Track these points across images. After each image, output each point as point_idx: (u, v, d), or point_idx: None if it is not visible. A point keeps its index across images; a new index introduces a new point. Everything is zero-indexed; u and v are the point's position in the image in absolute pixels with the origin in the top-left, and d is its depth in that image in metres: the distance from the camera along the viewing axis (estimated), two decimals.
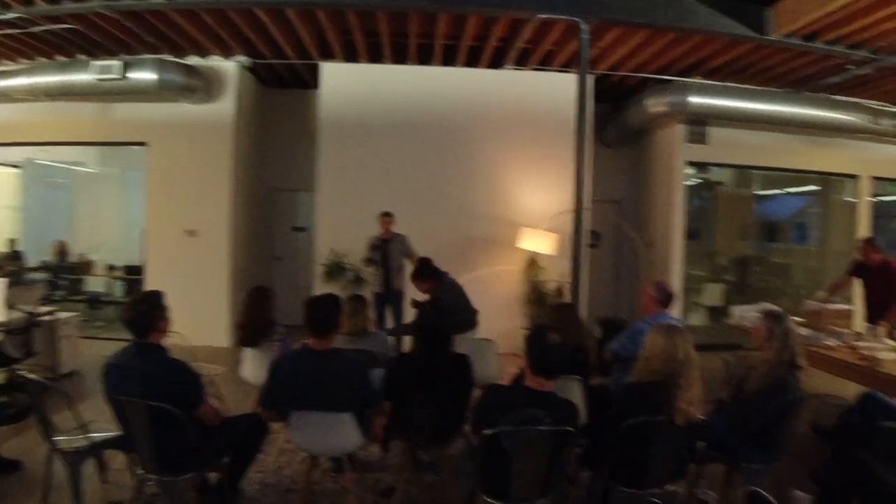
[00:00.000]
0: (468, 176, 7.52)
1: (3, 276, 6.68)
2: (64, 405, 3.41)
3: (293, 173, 8.78)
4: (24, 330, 5.39)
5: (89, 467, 3.42)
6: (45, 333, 5.79)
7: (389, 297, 6.48)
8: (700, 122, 7.88)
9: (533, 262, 7.35)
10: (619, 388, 3.40)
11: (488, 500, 2.79)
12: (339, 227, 7.34)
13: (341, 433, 3.01)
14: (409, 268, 6.36)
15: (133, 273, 9.25)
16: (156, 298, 2.91)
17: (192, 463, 2.91)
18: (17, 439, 4.35)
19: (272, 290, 4.28)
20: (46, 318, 5.79)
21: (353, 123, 7.47)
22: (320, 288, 7.45)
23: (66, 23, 6.28)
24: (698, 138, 7.98)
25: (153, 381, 2.73)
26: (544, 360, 2.61)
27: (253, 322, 4.11)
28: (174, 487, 2.96)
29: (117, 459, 3.75)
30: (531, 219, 7.31)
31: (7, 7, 5.86)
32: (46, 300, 6.57)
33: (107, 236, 11.64)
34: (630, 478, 2.81)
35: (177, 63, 7.20)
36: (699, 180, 9.48)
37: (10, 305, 5.50)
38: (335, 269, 7.20)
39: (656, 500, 2.93)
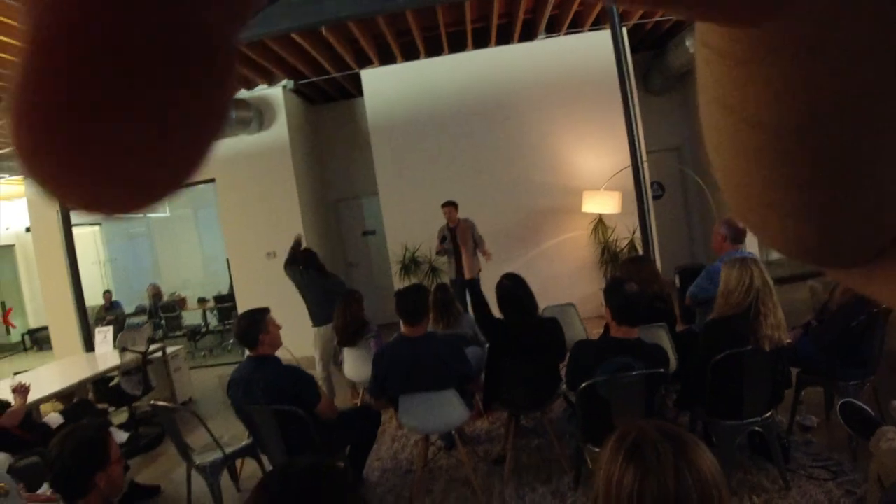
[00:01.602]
0: (522, 151, 7.61)
1: (106, 325, 7.27)
2: (190, 428, 3.77)
3: (353, 181, 9.09)
4: (140, 369, 5.87)
5: (224, 479, 3.78)
6: (158, 369, 6.28)
7: (466, 284, 6.65)
8: None
9: (600, 223, 7.39)
10: (702, 332, 3.48)
11: (594, 449, 2.94)
12: (406, 225, 7.59)
13: (447, 409, 3.23)
14: (482, 250, 6.59)
15: (223, 301, 9.82)
16: (258, 314, 3.19)
17: (320, 455, 3.18)
18: (153, 466, 4.77)
19: (360, 294, 4.55)
20: (157, 354, 6.27)
21: (402, 122, 7.68)
22: (399, 285, 7.74)
23: None
24: None
25: (272, 387, 3.01)
26: (625, 308, 2.73)
27: (348, 324, 4.38)
28: None
29: (247, 469, 4.11)
30: (591, 181, 7.34)
31: None
32: (153, 340, 7.08)
33: (190, 273, 12.37)
34: (728, 411, 2.90)
35: None
36: None
37: (123, 349, 6.00)
38: (410, 265, 7.45)
39: (757, 429, 3.00)
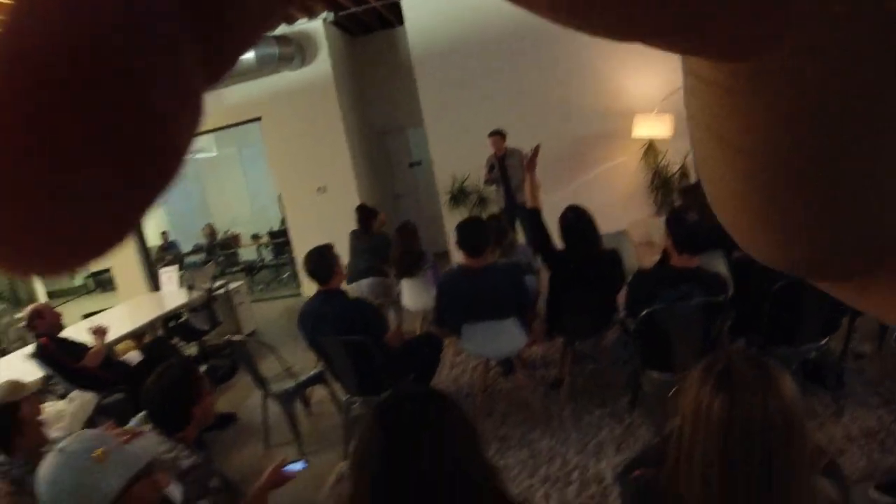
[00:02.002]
0: (571, 74, 7.42)
1: (166, 265, 7.59)
2: (257, 359, 4.00)
3: (398, 112, 9.05)
4: (207, 305, 6.17)
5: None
6: (223, 304, 6.58)
7: (515, 211, 6.68)
8: None
9: (651, 148, 7.26)
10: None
11: (653, 374, 3.03)
12: (454, 154, 7.58)
13: (508, 336, 3.35)
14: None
15: (277, 237, 10.09)
16: (328, 250, 3.33)
17: (386, 382, 3.36)
18: (227, 396, 5.08)
19: (415, 225, 4.64)
20: (220, 291, 6.56)
21: (445, 50, 7.54)
22: (448, 216, 7.82)
23: None
24: None
25: (343, 319, 3.17)
26: (687, 238, 2.75)
27: (405, 255, 4.50)
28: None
29: (317, 395, 4.36)
30: (642, 104, 7.16)
31: None
32: (217, 276, 7.39)
33: (239, 211, 12.69)
34: (784, 337, 2.94)
35: (268, 36, 7.56)
36: None
37: (190, 287, 6.29)
38: (458, 195, 7.50)
39: (812, 356, 3.04)
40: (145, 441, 1.50)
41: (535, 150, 3.47)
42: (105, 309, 7.35)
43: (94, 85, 0.10)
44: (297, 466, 2.48)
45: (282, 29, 7.79)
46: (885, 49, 0.14)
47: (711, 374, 1.10)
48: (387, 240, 5.14)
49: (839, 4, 0.13)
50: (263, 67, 7.50)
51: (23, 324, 6.75)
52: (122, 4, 0.10)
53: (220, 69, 0.13)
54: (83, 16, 0.10)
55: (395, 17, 8.07)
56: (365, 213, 5.41)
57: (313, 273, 3.26)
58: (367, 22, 8.56)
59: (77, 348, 4.17)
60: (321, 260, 3.27)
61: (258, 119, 8.27)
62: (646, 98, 7.17)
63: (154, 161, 0.11)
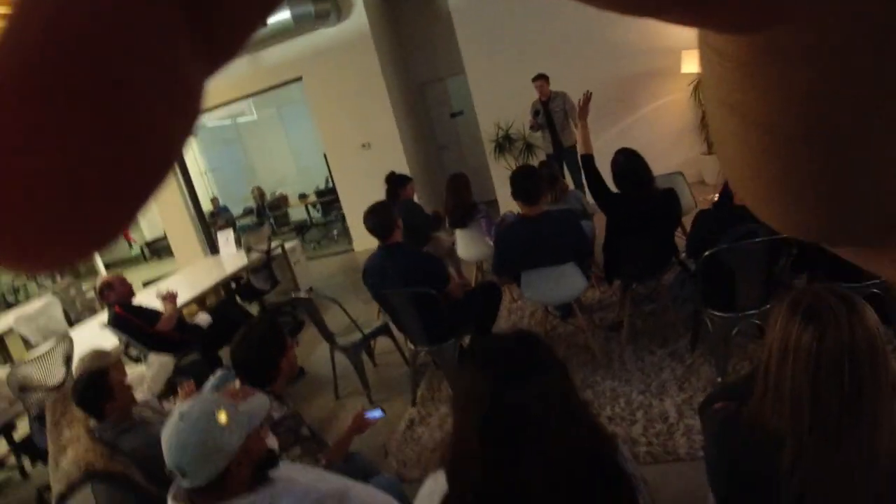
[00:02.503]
0: (612, 13, 7.19)
1: (220, 230, 7.81)
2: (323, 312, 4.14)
3: (436, 62, 8.96)
4: (266, 265, 6.36)
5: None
6: (280, 264, 6.78)
7: (562, 155, 6.63)
8: None
9: (700, 84, 7.04)
10: None
11: (715, 313, 3.05)
12: (497, 102, 7.52)
13: (567, 282, 3.40)
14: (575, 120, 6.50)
15: (324, 195, 10.23)
16: (385, 206, 3.40)
17: (451, 331, 3.47)
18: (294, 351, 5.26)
19: (467, 177, 4.68)
20: (277, 251, 6.75)
21: None
22: (493, 165, 7.81)
23: None
24: None
25: (406, 272, 3.26)
26: None
27: (458, 206, 4.55)
28: (441, 353, 3.57)
29: (380, 346, 4.51)
30: (689, 40, 6.92)
31: None
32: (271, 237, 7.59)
33: (284, 171, 12.86)
34: (846, 274, 2.91)
35: None
36: None
37: (248, 249, 6.48)
38: (504, 143, 7.47)
39: (876, 291, 3.00)
40: (256, 400, 1.62)
41: (587, 98, 3.44)
42: (164, 276, 7.65)
43: (85, 86, 0.10)
44: (377, 414, 2.62)
45: None
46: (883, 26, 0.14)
47: (798, 308, 1.13)
48: (413, 205, 5.11)
49: None
50: (300, 26, 7.51)
51: (91, 295, 7.12)
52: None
53: (220, 58, 0.13)
54: (73, 14, 0.10)
55: None
56: (392, 183, 5.41)
57: (373, 229, 3.34)
58: None
59: (150, 314, 4.38)
60: (380, 216, 3.35)
61: (299, 79, 8.31)
62: (693, 32, 6.88)
63: (151, 157, 0.12)
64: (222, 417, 1.44)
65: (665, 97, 7.24)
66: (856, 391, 1.06)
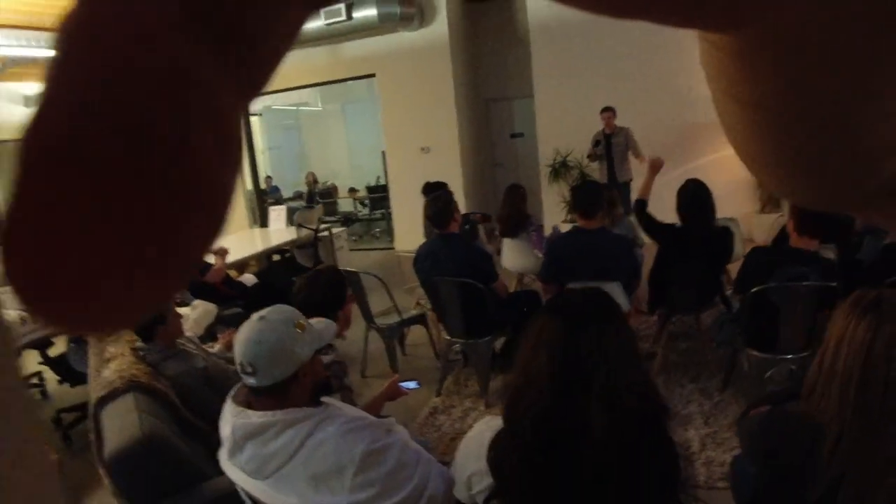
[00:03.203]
0: (688, 60, 7.25)
1: (272, 206, 8.04)
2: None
3: (506, 82, 9.13)
4: (313, 244, 6.54)
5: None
6: (326, 246, 6.95)
7: (617, 189, 6.68)
8: None
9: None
10: (872, 255, 3.42)
11: (753, 352, 3.08)
12: (559, 128, 7.64)
13: None
14: (633, 160, 6.58)
15: (374, 192, 10.43)
16: (448, 196, 3.52)
17: (489, 328, 3.55)
18: None
19: (524, 188, 4.79)
20: (325, 234, 6.93)
21: (564, 23, 7.52)
22: (546, 189, 7.91)
23: None
24: None
25: (458, 262, 3.37)
26: (812, 219, 2.77)
27: (511, 216, 4.66)
28: (477, 348, 3.65)
29: (412, 336, 4.60)
30: None
31: None
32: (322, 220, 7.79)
33: (338, 164, 13.15)
34: None
35: None
36: None
37: (299, 225, 6.67)
38: (560, 169, 7.57)
39: None
40: (325, 323, 1.73)
41: (660, 163, 3.60)
42: None
43: (131, 147, 0.10)
44: (412, 385, 2.70)
45: None
46: (875, 10, 0.15)
47: (860, 304, 1.20)
48: None
49: None
50: (383, 26, 7.75)
51: None
52: (142, 54, 0.10)
53: (251, 93, 0.13)
54: (104, 74, 0.10)
55: None
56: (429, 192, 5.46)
57: (434, 217, 3.46)
58: None
59: (201, 264, 4.55)
60: (443, 206, 3.47)
61: (372, 75, 8.55)
62: None
63: (205, 201, 0.11)
64: (299, 328, 1.55)
65: (724, 151, 7.25)
66: None
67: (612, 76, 7.39)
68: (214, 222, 0.12)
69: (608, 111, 6.55)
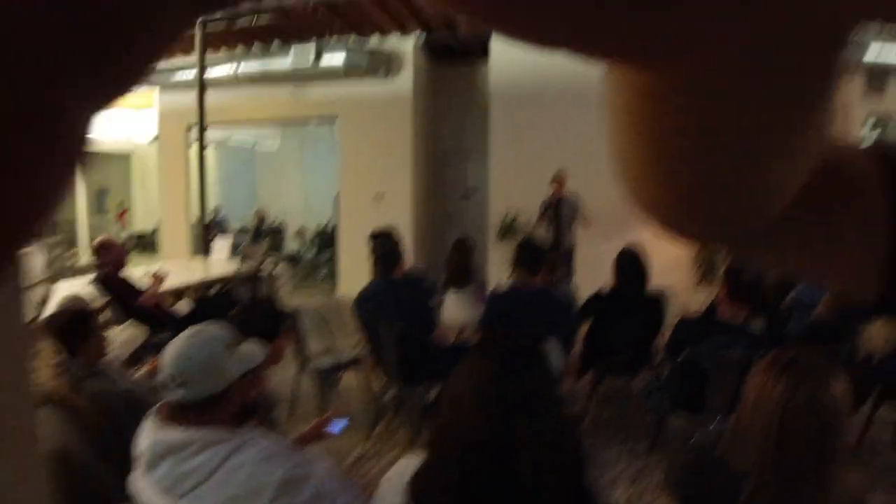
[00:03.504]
0: None
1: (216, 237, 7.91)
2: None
3: (464, 139, 9.36)
4: (253, 279, 6.44)
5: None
6: (268, 283, 6.84)
7: (560, 254, 6.84)
8: (880, 72, 7.38)
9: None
10: (799, 328, 3.60)
11: (681, 417, 3.16)
12: (511, 189, 7.82)
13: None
14: (578, 228, 6.78)
15: (325, 234, 10.39)
16: (397, 240, 3.55)
17: (427, 376, 3.54)
18: None
19: (472, 242, 4.84)
20: (268, 269, 6.84)
21: (523, 89, 7.82)
22: (494, 246, 8.03)
23: (266, 14, 7.22)
24: (877, 87, 7.48)
25: (401, 307, 3.37)
26: (742, 289, 2.91)
27: (457, 268, 4.69)
28: (411, 395, 3.63)
29: (345, 382, 4.53)
30: None
31: None
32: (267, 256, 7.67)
33: (289, 203, 13.09)
34: None
35: (361, 46, 7.98)
36: (880, 136, 8.87)
37: (244, 257, 6.58)
38: (509, 228, 7.72)
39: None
40: (255, 348, 1.70)
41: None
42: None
43: None
44: (341, 424, 2.65)
45: (374, 42, 8.21)
46: (767, 66, 0.17)
47: (777, 364, 1.27)
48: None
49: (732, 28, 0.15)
50: (350, 72, 7.91)
51: (71, 262, 7.10)
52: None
53: (116, 91, 0.12)
54: None
55: (480, 49, 8.43)
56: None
57: (383, 258, 3.48)
58: (454, 49, 8.93)
59: (135, 287, 4.45)
60: (391, 249, 3.50)
61: (334, 119, 8.65)
62: None
63: (27, 205, 0.11)
64: (231, 344, 1.53)
65: None
66: (818, 446, 1.18)
67: (566, 142, 7.64)
68: (29, 224, 0.11)
69: (559, 178, 6.76)
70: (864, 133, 7.73)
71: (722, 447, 1.36)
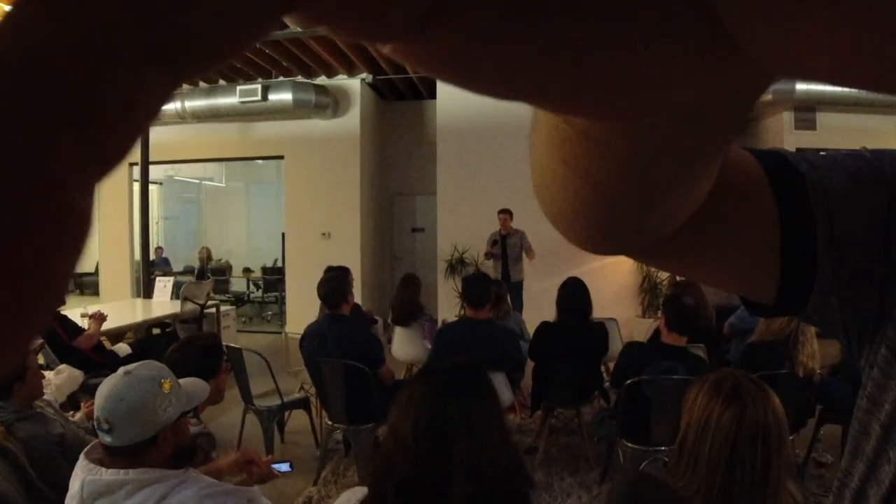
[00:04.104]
0: None
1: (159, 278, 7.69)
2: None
3: (412, 178, 9.44)
4: (197, 319, 6.26)
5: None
6: (211, 324, 6.65)
7: (509, 287, 6.89)
8: (808, 108, 7.83)
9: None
10: (739, 353, 3.71)
11: (629, 444, 3.19)
12: (459, 226, 7.89)
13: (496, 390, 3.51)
14: (526, 261, 6.86)
15: (272, 273, 10.22)
16: (345, 276, 3.52)
17: (374, 414, 3.47)
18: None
19: (419, 279, 4.86)
20: (211, 310, 6.66)
21: (470, 128, 7.97)
22: (442, 283, 8.04)
23: None
24: (807, 125, 7.93)
25: (346, 344, 3.33)
26: (679, 317, 2.99)
27: (404, 304, 4.68)
28: (359, 435, 3.55)
29: (293, 423, 4.42)
30: None
31: None
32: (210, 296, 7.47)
33: (235, 243, 12.87)
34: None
35: (309, 84, 8.01)
36: None
37: (185, 298, 6.38)
38: (457, 265, 7.76)
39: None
40: (197, 383, 1.65)
41: None
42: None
43: None
44: (284, 467, 2.58)
45: (322, 80, 8.25)
46: (687, 136, 0.20)
47: (722, 389, 1.29)
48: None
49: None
50: (297, 110, 7.90)
51: None
52: None
53: (106, 168, 0.11)
54: None
55: (427, 89, 8.57)
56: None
57: (327, 296, 3.44)
58: (401, 89, 9.06)
59: (73, 327, 4.30)
60: (337, 286, 3.46)
61: (281, 157, 8.60)
62: None
63: (35, 283, 0.10)
64: (166, 387, 1.47)
65: (612, 258, 7.72)
66: (765, 466, 1.21)
67: (512, 179, 7.77)
68: (45, 306, 0.11)
69: (505, 213, 6.86)
70: None
71: (665, 473, 1.37)
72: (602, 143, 0.21)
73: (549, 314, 3.91)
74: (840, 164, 0.39)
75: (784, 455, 1.24)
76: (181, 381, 1.59)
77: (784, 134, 8.04)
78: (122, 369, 1.50)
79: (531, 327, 4.16)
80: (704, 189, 0.28)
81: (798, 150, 6.84)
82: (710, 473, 1.24)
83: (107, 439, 1.41)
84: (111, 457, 1.43)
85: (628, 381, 2.98)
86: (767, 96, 7.56)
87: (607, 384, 3.65)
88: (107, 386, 1.46)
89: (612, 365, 3.66)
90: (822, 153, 0.42)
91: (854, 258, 0.36)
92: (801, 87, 7.29)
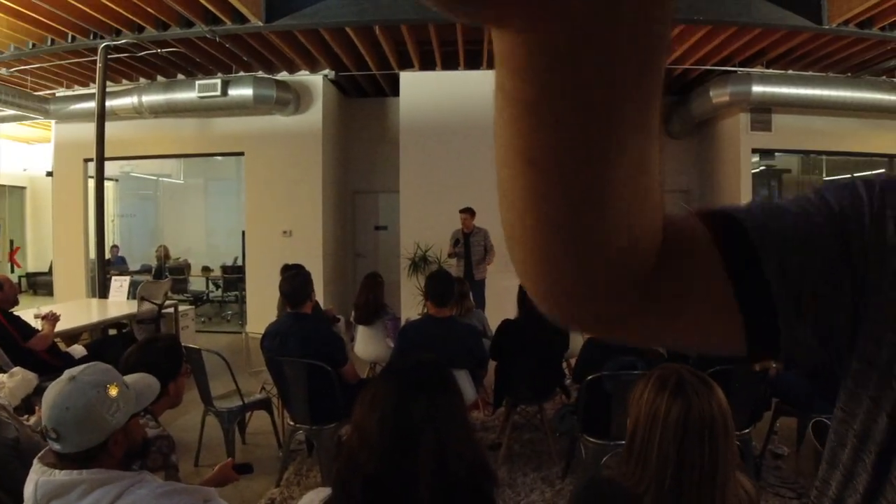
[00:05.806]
0: None
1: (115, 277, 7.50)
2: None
3: (374, 176, 9.39)
4: (154, 319, 6.11)
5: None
6: (169, 324, 6.51)
7: (471, 286, 6.93)
8: (764, 109, 8.06)
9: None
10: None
11: (591, 439, 3.24)
12: (421, 224, 7.89)
13: (460, 387, 3.52)
14: (488, 259, 6.90)
15: (232, 272, 10.04)
16: (307, 275, 3.48)
17: (337, 414, 3.45)
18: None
19: (382, 277, 4.84)
20: (170, 310, 6.51)
21: (432, 126, 7.99)
22: (406, 281, 8.03)
23: (172, 46, 7.02)
24: (762, 126, 8.16)
25: (308, 342, 3.29)
26: None
27: (367, 303, 4.66)
28: (321, 435, 3.52)
29: (255, 423, 4.36)
30: None
31: (118, 33, 6.61)
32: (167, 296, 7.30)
33: (193, 241, 12.61)
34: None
35: (270, 79, 7.89)
36: (764, 168, 9.62)
37: (142, 298, 6.23)
38: (420, 263, 7.75)
39: (736, 442, 3.32)
40: (147, 380, 1.61)
41: None
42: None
43: None
44: (243, 472, 2.55)
45: (283, 75, 8.15)
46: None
47: (667, 384, 1.31)
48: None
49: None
50: (258, 106, 7.78)
51: None
52: None
53: None
54: None
55: (390, 87, 8.54)
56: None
57: (289, 294, 3.40)
58: (363, 86, 9.00)
59: (26, 328, 4.18)
60: (300, 284, 3.42)
61: (241, 154, 8.46)
62: None
63: None
64: (113, 391, 1.43)
65: None
66: (714, 459, 1.24)
67: (473, 177, 7.79)
68: None
69: (466, 212, 6.88)
70: (750, 167, 8.35)
71: (617, 470, 1.40)
72: (542, 107, 0.22)
73: (512, 312, 3.93)
74: (784, 205, 0.41)
75: (731, 447, 1.27)
76: (129, 378, 1.54)
77: (741, 135, 8.23)
78: (66, 374, 1.45)
79: (494, 325, 4.18)
80: (652, 188, 0.29)
81: (754, 150, 7.04)
82: (660, 468, 1.26)
83: (56, 447, 1.38)
84: (62, 462, 1.39)
85: (589, 377, 3.02)
86: (724, 97, 7.76)
87: (569, 380, 3.69)
88: (52, 393, 1.42)
89: (573, 361, 3.71)
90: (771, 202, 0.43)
91: (811, 280, 0.37)
92: (757, 89, 7.50)
